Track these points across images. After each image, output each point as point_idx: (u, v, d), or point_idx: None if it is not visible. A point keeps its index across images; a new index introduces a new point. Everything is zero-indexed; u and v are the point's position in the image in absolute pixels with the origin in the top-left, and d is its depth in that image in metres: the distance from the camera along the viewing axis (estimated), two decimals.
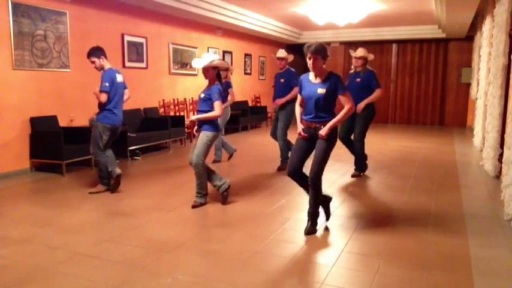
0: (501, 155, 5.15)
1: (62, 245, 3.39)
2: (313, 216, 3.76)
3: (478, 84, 9.01)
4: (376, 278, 2.84)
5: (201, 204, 4.49)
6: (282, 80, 6.27)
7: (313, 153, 3.70)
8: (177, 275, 2.86)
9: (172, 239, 3.52)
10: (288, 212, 4.31)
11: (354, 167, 6.00)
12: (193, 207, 4.43)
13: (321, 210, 3.85)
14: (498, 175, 5.61)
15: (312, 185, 3.67)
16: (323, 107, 3.63)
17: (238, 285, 2.75)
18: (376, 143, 9.01)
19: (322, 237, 3.66)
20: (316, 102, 3.61)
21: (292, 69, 6.33)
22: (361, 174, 6.00)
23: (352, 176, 5.92)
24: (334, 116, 3.67)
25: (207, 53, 4.49)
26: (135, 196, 4.93)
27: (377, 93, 5.67)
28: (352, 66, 5.90)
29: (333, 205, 4.51)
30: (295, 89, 5.73)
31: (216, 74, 4.41)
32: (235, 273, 2.92)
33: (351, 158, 6.06)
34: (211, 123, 4.42)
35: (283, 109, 6.22)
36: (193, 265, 3.04)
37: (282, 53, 6.36)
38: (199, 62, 4.41)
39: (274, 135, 6.44)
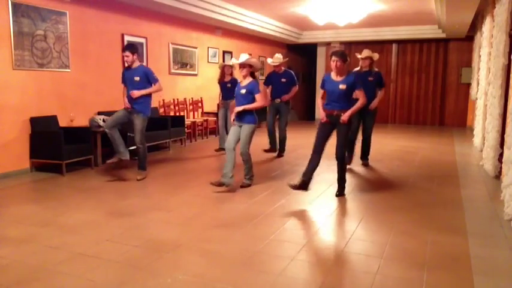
0: (501, 155, 5.15)
1: (62, 245, 3.39)
2: (341, 182, 4.84)
3: (478, 84, 9.01)
4: (376, 278, 2.85)
5: (249, 185, 5.19)
6: (283, 80, 7.04)
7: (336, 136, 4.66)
8: (177, 275, 2.86)
9: (172, 239, 3.52)
10: (288, 212, 4.31)
11: (362, 158, 6.69)
12: (242, 187, 5.14)
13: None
14: (498, 175, 5.61)
15: (340, 159, 4.72)
16: (342, 99, 4.60)
17: (238, 285, 2.75)
18: (376, 143, 8.97)
19: (322, 238, 3.66)
20: (338, 95, 4.59)
21: (290, 70, 7.15)
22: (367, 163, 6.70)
23: (363, 164, 6.61)
24: (350, 105, 4.60)
25: (243, 54, 5.27)
26: (135, 196, 4.93)
27: (383, 91, 6.53)
28: (359, 66, 6.46)
29: (332, 205, 4.55)
30: (296, 88, 7.08)
31: (250, 73, 5.08)
32: (235, 273, 2.92)
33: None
34: (253, 116, 5.05)
35: (287, 104, 7.07)
36: (193, 265, 3.04)
37: (279, 58, 7.07)
38: (239, 59, 5.12)
39: (273, 127, 7.18)
